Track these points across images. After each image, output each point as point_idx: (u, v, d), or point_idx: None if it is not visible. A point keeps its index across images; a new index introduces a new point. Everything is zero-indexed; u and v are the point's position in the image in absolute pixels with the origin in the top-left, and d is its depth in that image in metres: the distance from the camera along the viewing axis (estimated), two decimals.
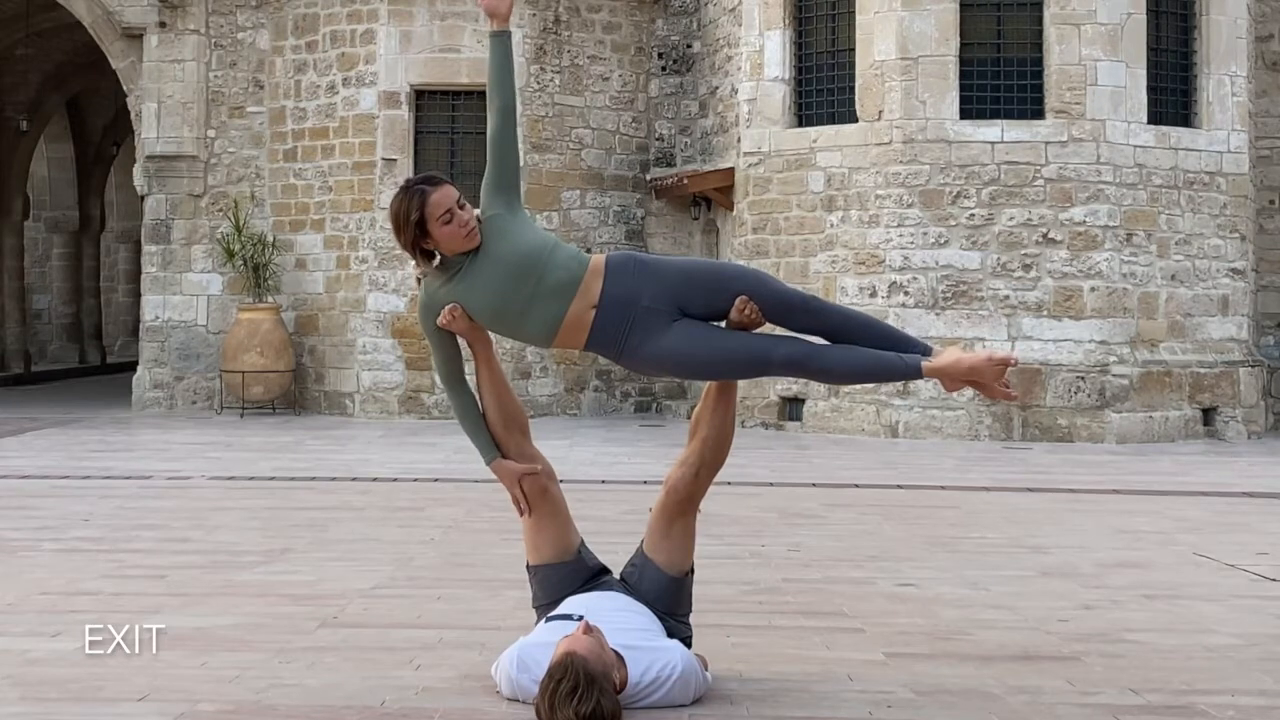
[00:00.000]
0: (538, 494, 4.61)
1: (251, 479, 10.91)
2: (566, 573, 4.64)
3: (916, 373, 4.38)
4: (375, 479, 10.98)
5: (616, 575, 4.73)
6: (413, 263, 4.53)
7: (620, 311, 4.40)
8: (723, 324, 4.45)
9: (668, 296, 4.41)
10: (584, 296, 4.40)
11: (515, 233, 4.44)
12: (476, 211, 4.46)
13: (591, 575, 4.67)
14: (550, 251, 4.42)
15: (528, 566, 4.73)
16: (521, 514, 4.64)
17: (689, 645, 4.60)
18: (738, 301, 4.38)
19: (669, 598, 4.61)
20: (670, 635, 4.52)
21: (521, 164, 16.96)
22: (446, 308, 4.47)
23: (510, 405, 4.67)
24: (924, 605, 6.08)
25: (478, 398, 4.66)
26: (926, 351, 4.43)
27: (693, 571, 4.71)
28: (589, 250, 15.54)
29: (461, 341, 4.57)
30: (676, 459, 4.72)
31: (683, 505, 4.62)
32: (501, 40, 4.54)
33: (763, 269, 15.86)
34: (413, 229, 4.38)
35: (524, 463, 4.60)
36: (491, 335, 4.63)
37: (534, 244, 4.43)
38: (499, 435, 4.62)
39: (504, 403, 4.65)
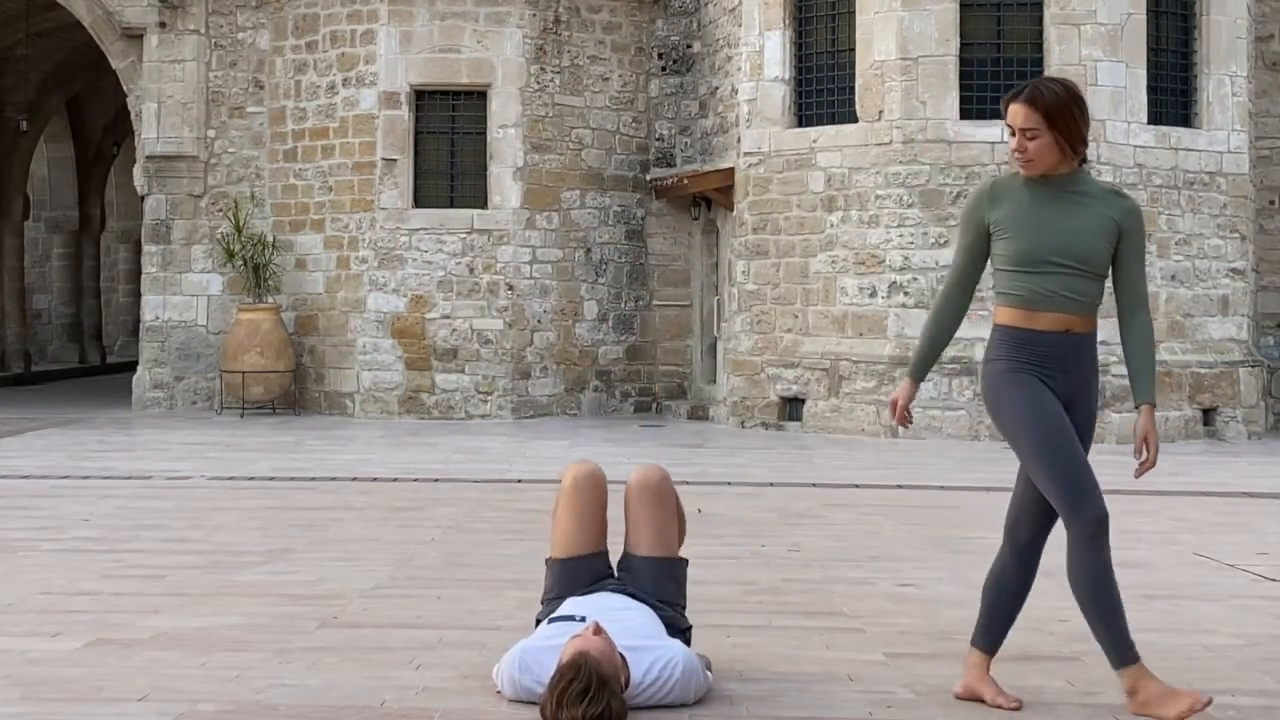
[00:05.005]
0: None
1: (251, 479, 10.91)
2: (582, 569, 4.69)
3: (1123, 661, 4.39)
4: (375, 479, 10.98)
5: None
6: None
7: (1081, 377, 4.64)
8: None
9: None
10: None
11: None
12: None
13: (600, 577, 4.69)
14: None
15: (546, 560, 4.85)
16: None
17: (688, 638, 4.61)
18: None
19: (664, 582, 4.66)
20: (671, 627, 4.52)
21: (522, 164, 17.01)
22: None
23: None
24: (924, 605, 6.08)
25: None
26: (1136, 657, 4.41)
27: (686, 561, 4.79)
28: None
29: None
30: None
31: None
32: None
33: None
34: None
35: None
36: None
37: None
38: None
39: None
